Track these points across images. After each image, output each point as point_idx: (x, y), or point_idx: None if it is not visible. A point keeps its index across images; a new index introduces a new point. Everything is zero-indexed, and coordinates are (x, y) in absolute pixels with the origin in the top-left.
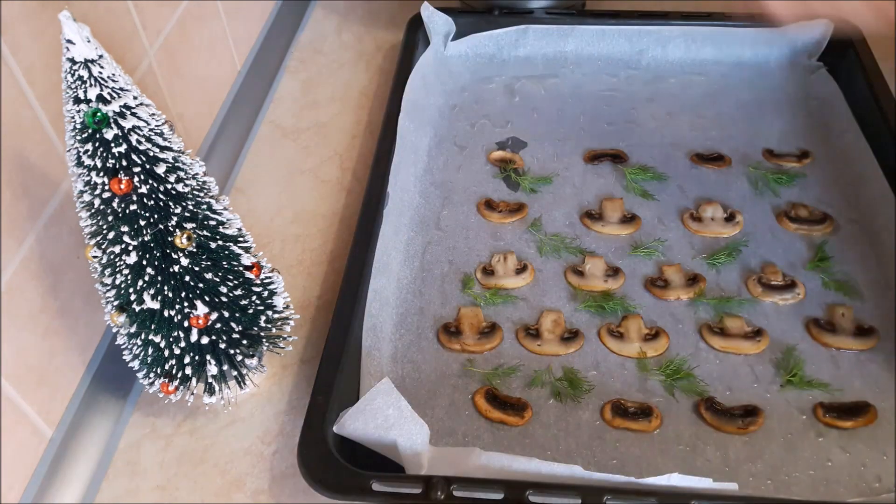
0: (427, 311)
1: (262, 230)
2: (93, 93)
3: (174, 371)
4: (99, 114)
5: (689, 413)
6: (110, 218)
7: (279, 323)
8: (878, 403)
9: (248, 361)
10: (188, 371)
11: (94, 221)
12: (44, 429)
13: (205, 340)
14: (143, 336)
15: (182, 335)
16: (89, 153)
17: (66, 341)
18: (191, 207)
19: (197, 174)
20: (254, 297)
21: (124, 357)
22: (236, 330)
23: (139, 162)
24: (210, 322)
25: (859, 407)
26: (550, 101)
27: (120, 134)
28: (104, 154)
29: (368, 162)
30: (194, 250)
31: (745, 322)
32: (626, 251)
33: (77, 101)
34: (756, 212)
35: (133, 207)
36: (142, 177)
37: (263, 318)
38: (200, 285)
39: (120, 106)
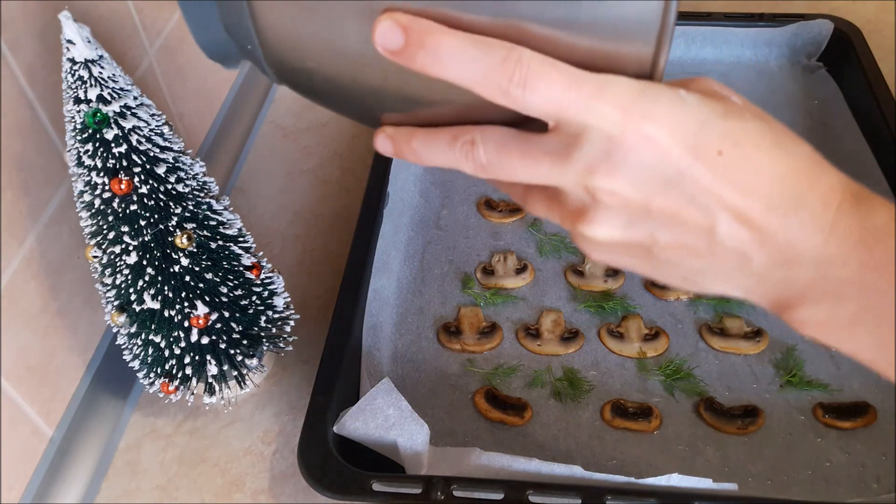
0: (427, 310)
1: (263, 230)
2: (93, 93)
3: (174, 371)
4: (99, 114)
5: (689, 413)
6: (110, 218)
7: (279, 323)
8: (878, 404)
9: (248, 361)
10: (188, 371)
11: (95, 221)
12: (44, 429)
13: (205, 340)
14: (143, 336)
15: (182, 335)
16: (89, 153)
17: (66, 341)
18: (191, 207)
19: (197, 174)
20: (254, 298)
21: (124, 357)
22: (236, 330)
23: (139, 162)
24: (210, 322)
25: (859, 407)
26: None
27: (120, 134)
28: (104, 154)
29: (368, 162)
30: (194, 250)
31: (745, 322)
32: None
33: (77, 101)
34: None
35: (133, 207)
36: (142, 177)
37: (263, 318)
38: (201, 285)
39: (120, 106)
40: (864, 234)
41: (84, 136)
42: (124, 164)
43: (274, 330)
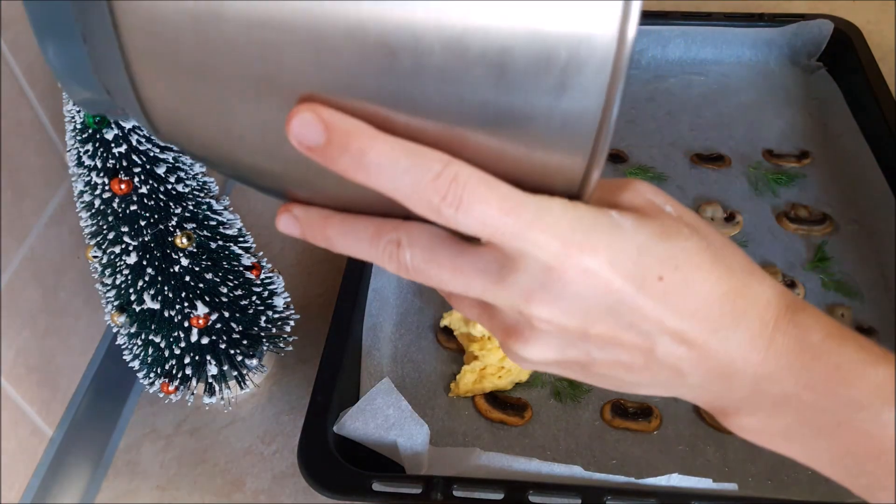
0: (427, 310)
1: (262, 230)
2: None
3: (174, 371)
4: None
5: (689, 413)
6: (111, 218)
7: (279, 323)
8: None
9: (248, 361)
10: (188, 371)
11: (95, 222)
12: (44, 428)
13: (205, 340)
14: (143, 336)
15: (182, 335)
16: (90, 153)
17: (66, 341)
18: (191, 208)
19: (197, 174)
20: (254, 298)
21: (124, 357)
22: (236, 330)
23: (139, 162)
24: (210, 322)
25: None
26: None
27: (120, 134)
28: (104, 154)
29: None
30: (194, 250)
31: None
32: None
33: None
34: (756, 212)
35: (133, 208)
36: (142, 177)
37: (263, 318)
38: (201, 285)
39: None
40: (801, 352)
41: (84, 136)
42: (124, 164)
43: (274, 330)
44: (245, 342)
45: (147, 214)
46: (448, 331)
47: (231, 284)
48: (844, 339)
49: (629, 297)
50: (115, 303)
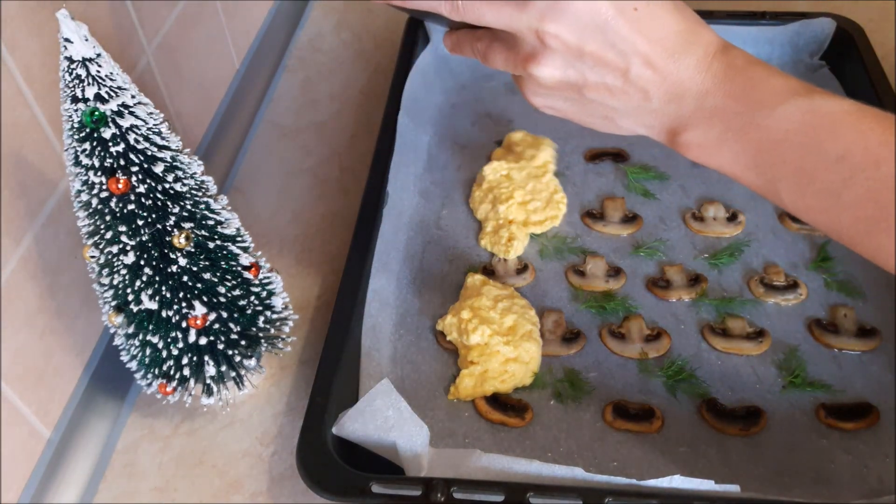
0: (427, 311)
1: (261, 230)
2: (91, 91)
3: (172, 372)
4: (97, 113)
5: (691, 414)
6: (108, 217)
7: (278, 323)
8: (881, 405)
9: (246, 362)
10: (186, 372)
11: (92, 221)
12: (41, 430)
13: (203, 341)
14: (140, 336)
15: (180, 336)
16: (87, 152)
17: (63, 342)
18: (189, 207)
19: (195, 173)
20: (252, 298)
21: (122, 358)
22: (234, 330)
23: (137, 161)
24: (208, 322)
25: (861, 408)
26: None
27: (118, 133)
28: (102, 153)
29: (368, 161)
30: (192, 250)
31: (748, 323)
32: (628, 251)
33: (75, 99)
34: (758, 212)
35: (131, 207)
36: (140, 176)
37: (262, 318)
38: (199, 285)
39: (118, 105)
40: (729, 71)
41: (81, 134)
42: (122, 163)
43: (272, 330)
44: (243, 343)
45: (145, 214)
46: None
47: (229, 284)
48: (761, 64)
49: (612, 18)
50: (113, 303)
